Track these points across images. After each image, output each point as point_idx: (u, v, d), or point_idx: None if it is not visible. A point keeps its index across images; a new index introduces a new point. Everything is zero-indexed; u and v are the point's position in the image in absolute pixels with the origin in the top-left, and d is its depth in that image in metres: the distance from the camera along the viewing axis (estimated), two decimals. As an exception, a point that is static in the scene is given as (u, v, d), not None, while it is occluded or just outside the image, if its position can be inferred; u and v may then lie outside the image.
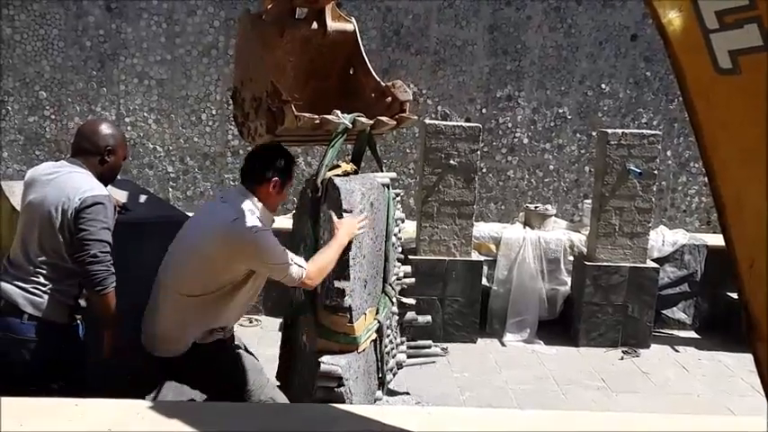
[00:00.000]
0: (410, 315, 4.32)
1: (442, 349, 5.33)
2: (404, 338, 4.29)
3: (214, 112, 6.63)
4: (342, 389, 3.14)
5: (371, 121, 3.52)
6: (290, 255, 3.02)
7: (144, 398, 3.32)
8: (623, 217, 5.65)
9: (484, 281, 5.82)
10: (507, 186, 6.81)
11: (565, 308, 5.97)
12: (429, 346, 4.49)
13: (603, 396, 4.85)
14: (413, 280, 4.32)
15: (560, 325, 5.94)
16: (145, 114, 6.60)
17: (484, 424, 2.70)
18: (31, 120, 6.54)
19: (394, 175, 3.92)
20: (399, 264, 4.14)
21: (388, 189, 3.71)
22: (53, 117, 6.51)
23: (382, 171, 3.84)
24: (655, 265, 5.82)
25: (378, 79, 3.82)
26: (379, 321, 3.55)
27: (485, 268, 5.81)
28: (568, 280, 5.99)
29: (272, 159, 3.12)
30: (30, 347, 2.92)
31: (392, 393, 4.20)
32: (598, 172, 5.78)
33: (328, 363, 3.16)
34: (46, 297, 2.92)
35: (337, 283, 3.20)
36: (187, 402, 2.82)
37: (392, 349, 3.96)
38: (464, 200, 5.57)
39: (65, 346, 2.99)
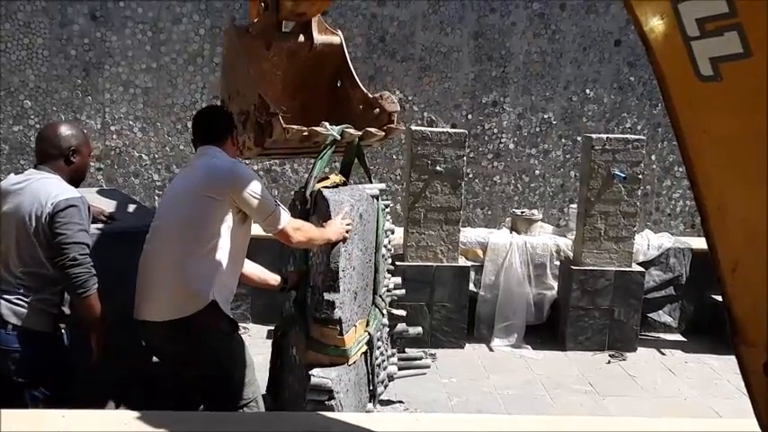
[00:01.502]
0: (401, 326, 4.32)
1: (431, 355, 5.34)
2: (394, 350, 4.28)
3: (200, 120, 6.61)
4: (332, 402, 3.13)
5: (360, 132, 3.54)
6: (279, 202, 3.10)
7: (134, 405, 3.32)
8: (609, 221, 5.68)
9: (471, 286, 5.83)
10: (494, 192, 6.84)
11: (552, 312, 5.99)
12: (420, 358, 4.48)
13: (591, 400, 4.87)
14: (403, 291, 4.32)
15: (547, 329, 5.97)
16: (130, 123, 6.58)
17: (472, 430, 2.72)
18: (15, 129, 6.50)
19: (383, 186, 3.94)
20: (389, 275, 4.14)
21: (378, 200, 3.72)
22: (38, 126, 6.46)
23: (371, 182, 3.85)
24: (640, 268, 5.85)
25: (365, 91, 3.85)
26: (369, 333, 3.55)
27: (472, 274, 5.83)
28: (555, 284, 6.02)
29: (225, 115, 3.32)
30: (14, 357, 2.90)
31: (386, 403, 4.20)
32: (583, 177, 5.82)
33: (318, 375, 3.16)
34: (29, 307, 2.91)
35: (327, 296, 3.21)
36: (175, 412, 2.80)
37: (383, 361, 3.95)
38: (451, 206, 5.58)
39: (49, 355, 2.98)
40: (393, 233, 4.12)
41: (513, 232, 6.18)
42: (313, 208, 3.42)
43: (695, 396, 5.01)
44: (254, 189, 2.99)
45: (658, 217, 6.98)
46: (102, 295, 2.97)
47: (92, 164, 6.52)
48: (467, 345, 5.74)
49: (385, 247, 3.91)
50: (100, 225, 3.50)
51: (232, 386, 3.11)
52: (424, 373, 4.52)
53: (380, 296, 3.79)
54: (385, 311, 3.92)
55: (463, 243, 5.86)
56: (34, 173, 3.05)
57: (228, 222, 3.01)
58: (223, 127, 3.23)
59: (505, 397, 4.86)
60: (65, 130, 3.12)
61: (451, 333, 5.65)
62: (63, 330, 3.06)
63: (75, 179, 3.13)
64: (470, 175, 6.69)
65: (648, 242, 6.14)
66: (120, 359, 3.08)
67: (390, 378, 4.12)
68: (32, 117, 6.49)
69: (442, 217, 5.60)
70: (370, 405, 3.71)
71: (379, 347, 3.82)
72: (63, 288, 2.96)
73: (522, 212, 6.26)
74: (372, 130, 3.59)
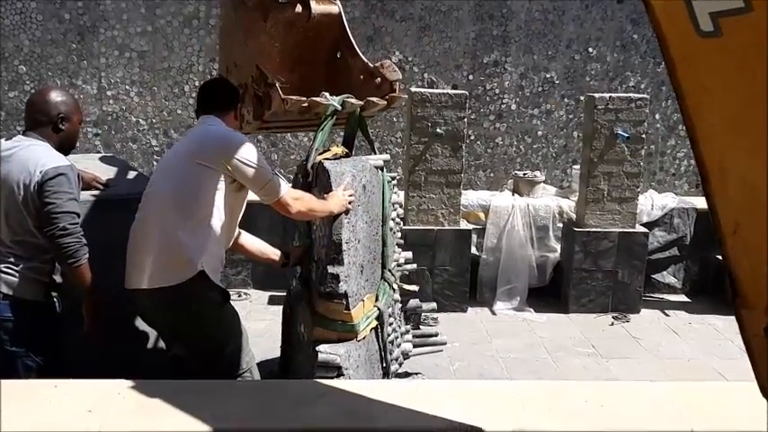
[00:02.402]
0: (414, 302, 4.26)
1: (432, 319, 5.30)
2: (408, 327, 4.23)
3: (197, 84, 6.50)
4: (341, 378, 3.08)
5: (361, 102, 3.46)
6: (276, 171, 3.05)
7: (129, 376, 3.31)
8: (612, 182, 5.60)
9: (473, 249, 5.78)
10: (496, 153, 6.75)
11: (554, 275, 5.95)
12: (436, 335, 4.43)
13: (594, 362, 4.84)
14: (414, 266, 4.24)
15: (550, 292, 5.93)
16: (127, 87, 6.49)
17: (471, 395, 2.69)
18: (11, 95, 6.42)
19: (387, 157, 3.85)
20: (399, 249, 4.06)
21: (383, 171, 3.64)
22: (34, 91, 6.38)
23: (375, 153, 3.77)
24: (644, 229, 5.79)
25: (365, 60, 3.77)
26: (378, 308, 3.48)
27: (474, 237, 5.77)
28: (558, 247, 5.96)
29: (230, 87, 3.25)
30: (6, 327, 2.88)
31: (403, 376, 4.17)
32: (586, 137, 5.72)
33: (326, 352, 3.10)
34: (20, 276, 2.87)
35: (331, 269, 3.14)
36: (169, 381, 2.78)
37: (396, 338, 3.89)
38: (452, 168, 5.51)
39: (41, 323, 2.96)
40: (402, 206, 4.04)
41: (516, 194, 6.11)
42: (314, 180, 3.34)
43: (699, 357, 4.98)
44: (249, 156, 2.92)
45: (662, 177, 6.88)
46: (95, 264, 2.94)
47: (89, 129, 6.47)
48: (469, 308, 5.71)
49: (393, 220, 3.83)
50: (94, 192, 3.45)
51: (225, 357, 3.09)
52: (441, 350, 4.47)
53: (390, 270, 3.70)
54: (396, 286, 3.84)
55: (465, 206, 5.80)
56: (23, 140, 2.99)
57: (221, 191, 2.95)
58: (226, 98, 3.17)
59: (508, 360, 4.84)
60: (54, 97, 3.05)
61: (454, 297, 5.62)
62: (55, 299, 3.03)
63: (65, 147, 3.07)
64: (472, 137, 6.60)
65: (652, 202, 6.07)
66: (112, 329, 3.05)
67: (405, 356, 4.06)
68: (28, 83, 6.40)
69: (442, 180, 5.52)
70: None
71: (391, 324, 3.74)
72: (53, 257, 2.93)
73: (525, 174, 6.17)
74: (374, 99, 3.51)
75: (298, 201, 3.04)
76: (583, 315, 5.66)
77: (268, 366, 4.27)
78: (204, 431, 2.32)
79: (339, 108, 3.38)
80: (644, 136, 5.59)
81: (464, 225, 5.70)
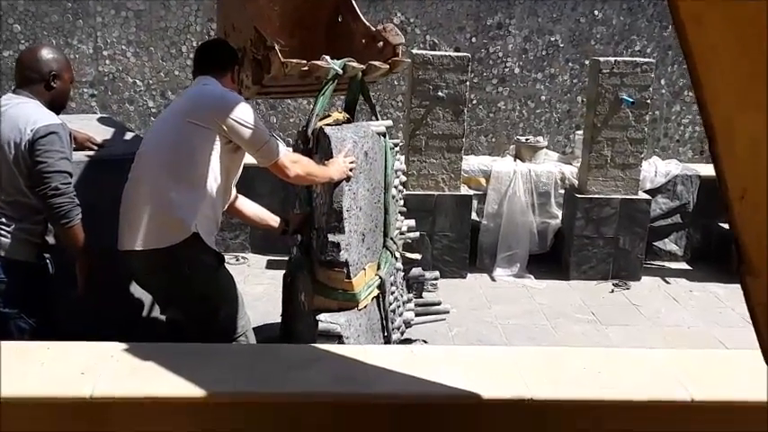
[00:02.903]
0: (416, 271, 4.21)
1: (431, 284, 5.26)
2: (411, 296, 4.19)
3: (194, 44, 6.39)
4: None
5: (363, 66, 3.38)
6: (274, 133, 2.98)
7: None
8: (615, 148, 5.52)
9: (473, 215, 5.73)
10: (498, 118, 6.66)
11: (555, 241, 5.90)
12: (438, 303, 4.39)
13: (593, 329, 4.82)
14: (417, 234, 4.19)
15: (551, 259, 5.88)
16: (123, 47, 6.39)
17: (469, 361, 2.65)
18: (5, 54, 6.31)
19: (390, 123, 3.79)
20: (402, 217, 4.00)
21: (385, 138, 3.56)
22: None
23: (377, 119, 3.69)
24: (647, 196, 5.72)
25: (367, 24, 3.69)
26: (380, 277, 3.43)
27: (474, 203, 5.71)
28: (559, 213, 5.91)
29: (229, 48, 3.15)
30: None
31: (407, 342, 4.14)
32: (590, 102, 5.63)
33: (327, 321, 3.06)
34: (11, 236, 2.83)
35: (331, 237, 3.09)
36: (163, 344, 2.75)
37: (398, 307, 3.85)
38: (453, 133, 5.42)
39: (33, 285, 2.93)
40: (404, 174, 3.97)
41: (518, 160, 6.03)
42: (315, 146, 3.27)
43: (699, 325, 4.95)
44: (244, 117, 2.84)
45: (666, 143, 6.80)
46: (88, 226, 2.89)
47: (84, 90, 6.38)
48: (468, 275, 5.67)
49: (396, 188, 3.77)
50: (88, 153, 3.39)
51: (220, 320, 3.05)
52: (443, 319, 4.44)
53: (392, 239, 3.64)
54: (398, 255, 3.79)
55: (466, 171, 5.74)
56: (12, 98, 2.93)
57: (216, 152, 2.88)
58: (224, 59, 3.09)
59: (506, 326, 4.81)
60: (45, 54, 2.98)
61: (453, 263, 5.58)
62: (47, 260, 2.99)
63: (56, 106, 3.00)
64: (474, 101, 6.51)
65: (656, 169, 5.99)
66: (106, 291, 3.02)
67: (408, 324, 4.02)
68: (22, 42, 6.29)
69: (443, 144, 5.45)
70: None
71: (393, 292, 3.70)
72: (46, 217, 2.88)
73: (527, 140, 6.09)
74: (376, 63, 3.43)
75: (296, 164, 2.97)
76: (583, 282, 5.63)
77: (266, 331, 4.25)
78: (198, 394, 2.30)
79: (340, 72, 3.30)
80: (649, 101, 5.50)
81: (465, 190, 5.64)
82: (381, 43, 3.60)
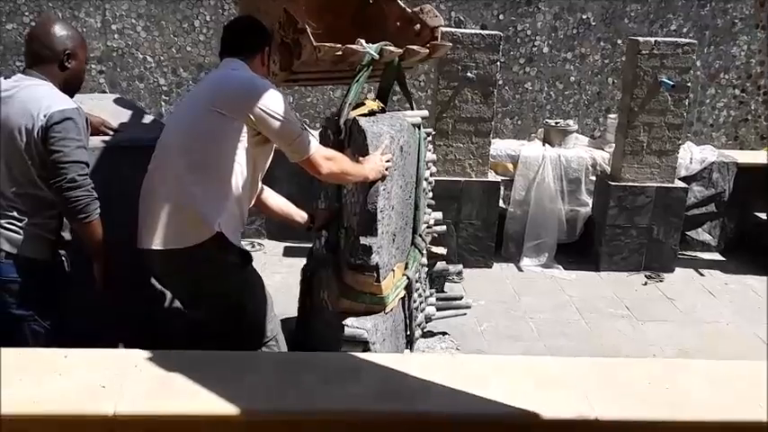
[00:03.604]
0: (440, 265, 4.00)
1: (457, 274, 5.03)
2: (432, 290, 3.98)
3: (208, 18, 6.11)
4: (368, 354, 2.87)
5: (401, 51, 3.11)
6: (306, 126, 2.74)
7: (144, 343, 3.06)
8: (652, 133, 5.25)
9: (500, 202, 5.47)
10: (524, 100, 6.37)
11: (585, 230, 5.65)
12: (460, 298, 4.18)
13: (628, 325, 4.59)
14: (444, 227, 3.97)
15: (580, 248, 5.64)
16: (133, 21, 6.08)
17: (517, 373, 2.43)
18: (9, 27, 6.02)
19: (426, 113, 3.54)
20: (430, 210, 3.78)
21: (419, 129, 3.32)
22: (34, 24, 5.99)
23: (413, 109, 3.44)
24: (683, 185, 5.45)
25: (402, 5, 3.41)
26: (408, 277, 3.23)
27: (501, 189, 5.45)
28: (589, 201, 5.65)
29: (260, 28, 2.85)
30: (10, 289, 2.60)
31: (429, 335, 3.94)
32: (627, 84, 5.34)
33: (353, 326, 2.89)
34: (23, 232, 2.58)
35: (363, 240, 2.87)
36: (190, 352, 2.51)
37: (421, 303, 3.66)
38: (482, 116, 5.15)
39: (49, 285, 2.68)
40: (435, 164, 3.73)
41: (546, 144, 5.76)
42: (347, 139, 3.02)
43: (737, 321, 4.71)
44: (275, 107, 2.58)
45: (699, 128, 6.52)
46: (106, 218, 2.64)
47: (92, 66, 6.09)
48: (495, 264, 5.43)
49: (426, 180, 3.54)
50: (103, 138, 3.14)
51: (247, 325, 2.83)
52: (464, 314, 4.22)
53: (420, 235, 3.44)
54: (424, 251, 3.59)
55: (492, 156, 5.47)
56: (23, 78, 2.65)
57: (243, 143, 2.62)
58: (253, 39, 2.80)
59: (537, 321, 4.58)
60: (59, 30, 2.70)
61: (479, 252, 5.34)
62: (63, 258, 2.75)
63: (70, 87, 2.73)
64: (500, 82, 6.20)
65: (691, 156, 5.72)
66: (126, 290, 2.78)
67: (428, 319, 3.84)
68: (27, 14, 6.00)
69: (471, 128, 5.18)
70: (407, 351, 3.44)
71: (417, 289, 3.51)
72: (61, 212, 2.63)
73: (557, 123, 5.81)
74: (415, 47, 3.16)
75: (330, 161, 2.71)
76: (614, 273, 5.39)
77: (286, 325, 4.03)
78: (233, 412, 2.07)
79: (377, 57, 3.04)
80: (689, 84, 5.22)
81: (492, 177, 5.37)
82: (418, 26, 3.36)
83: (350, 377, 2.34)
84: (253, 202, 2.93)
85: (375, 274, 2.93)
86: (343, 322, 2.92)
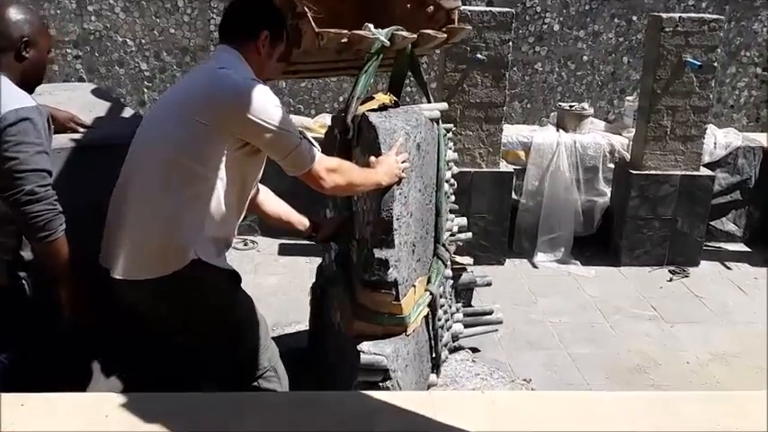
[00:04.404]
0: (467, 277, 3.63)
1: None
2: (459, 305, 3.61)
3: (192, -2, 5.66)
4: (388, 383, 2.50)
5: (414, 36, 2.71)
6: (306, 134, 2.29)
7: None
8: (676, 118, 4.85)
9: (512, 194, 5.07)
10: (534, 81, 5.94)
11: (603, 222, 5.26)
12: (490, 312, 3.80)
13: (657, 328, 4.21)
14: (469, 234, 3.59)
15: (597, 242, 5.25)
16: (111, 2, 5.60)
17: (566, 412, 2.05)
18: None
19: (445, 106, 3.14)
20: (453, 216, 3.40)
21: (438, 124, 2.92)
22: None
23: (430, 101, 3.03)
24: (709, 172, 5.07)
25: None
26: (431, 293, 2.85)
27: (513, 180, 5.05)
28: (607, 190, 5.26)
29: (259, 8, 2.36)
30: None
31: (456, 350, 3.57)
32: (648, 65, 4.93)
33: (370, 352, 2.51)
34: None
35: (378, 253, 2.48)
36: (173, 394, 2.11)
37: (447, 320, 3.29)
38: (493, 101, 4.73)
39: (7, 312, 2.28)
40: (456, 163, 3.33)
41: (560, 130, 5.35)
42: (356, 138, 2.63)
43: (772, 321, 4.35)
44: (267, 115, 2.16)
45: (720, 109, 6.11)
46: (74, 232, 2.23)
47: (68, 51, 5.64)
48: (507, 261, 5.04)
49: (447, 182, 3.15)
50: (72, 135, 2.70)
51: (240, 355, 2.43)
52: (496, 330, 3.86)
53: (443, 245, 3.05)
54: (448, 262, 3.20)
55: (503, 144, 5.05)
56: None
57: (229, 156, 2.21)
58: (248, 22, 2.32)
59: (558, 326, 4.20)
60: (15, 14, 2.27)
61: (490, 248, 4.94)
62: (23, 281, 2.33)
63: (29, 81, 2.31)
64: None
65: (715, 140, 5.33)
66: (98, 314, 2.37)
67: (455, 338, 3.48)
68: (-5, -4, 5.52)
69: (481, 114, 4.76)
70: (432, 376, 3.06)
71: (442, 305, 3.12)
72: (19, 228, 2.22)
73: (571, 106, 5.39)
74: (430, 32, 2.76)
75: (334, 173, 2.31)
76: (635, 269, 5.01)
77: (292, 339, 3.64)
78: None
79: (387, 44, 2.63)
80: (716, 64, 4.81)
81: (504, 167, 4.96)
82: (432, 8, 2.96)
83: (367, 424, 1.96)
84: (244, 214, 2.52)
85: (393, 292, 2.56)
86: (359, 347, 2.55)
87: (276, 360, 2.54)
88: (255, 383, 2.48)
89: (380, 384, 2.53)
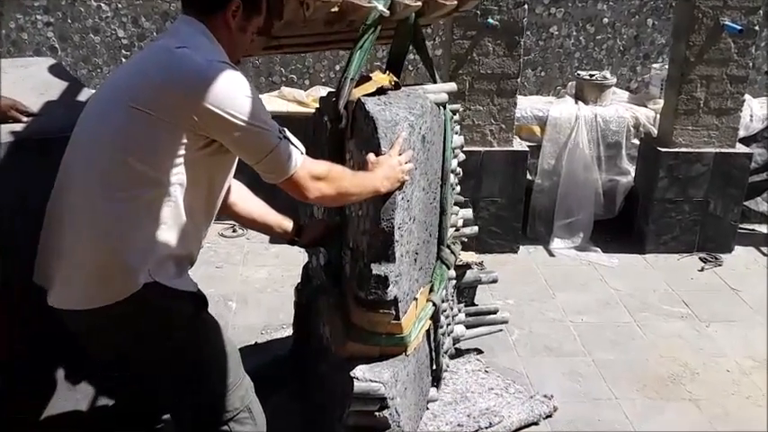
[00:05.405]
0: (471, 274, 3.21)
1: (477, 264, 4.19)
2: (461, 305, 3.20)
3: (172, -42, 5.13)
4: (385, 412, 2.18)
5: (419, 3, 2.26)
6: (287, 132, 1.82)
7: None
8: (711, 89, 4.34)
9: (526, 174, 4.60)
10: (549, 47, 5.43)
11: (626, 204, 4.79)
12: (495, 311, 3.39)
13: (691, 328, 3.77)
14: (475, 229, 3.17)
15: (620, 225, 4.78)
16: (82, -38, 5.11)
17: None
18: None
19: (453, 86, 2.68)
20: (457, 208, 2.97)
21: (445, 109, 2.49)
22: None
23: (436, 81, 2.58)
24: (746, 149, 4.57)
25: None
26: (434, 303, 2.49)
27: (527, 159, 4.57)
28: (631, 169, 4.78)
29: None
30: None
31: (457, 354, 3.23)
32: (680, 29, 4.39)
33: (365, 379, 2.19)
34: None
35: (376, 268, 2.11)
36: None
37: (448, 324, 2.90)
38: (505, 72, 4.22)
39: None
40: (462, 148, 2.85)
41: (579, 102, 4.85)
42: (350, 128, 2.20)
43: (816, 316, 3.91)
44: (235, 108, 1.71)
45: (753, 76, 5.58)
46: (9, 247, 1.94)
47: (38, 17, 5.15)
48: (521, 248, 4.59)
49: (453, 172, 2.70)
50: (12, 127, 2.25)
51: (204, 398, 2.00)
52: (500, 330, 3.46)
53: (448, 246, 2.68)
54: (453, 264, 2.80)
55: (516, 118, 4.55)
56: None
57: (189, 158, 1.77)
58: None
59: (580, 327, 3.76)
60: None
61: (502, 234, 4.49)
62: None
63: None
64: (521, 27, 5.28)
65: (751, 112, 4.82)
66: (40, 348, 1.95)
67: (456, 341, 3.11)
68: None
69: (493, 87, 4.26)
70: (432, 391, 2.68)
71: (444, 311, 2.76)
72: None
73: (591, 76, 4.87)
74: None
75: (320, 181, 1.88)
76: (663, 256, 4.55)
77: (275, 347, 3.23)
78: None
79: (386, 13, 2.19)
80: (757, 28, 4.28)
81: (518, 145, 4.47)
82: None
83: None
84: (213, 220, 2.06)
85: (393, 311, 2.21)
86: (352, 374, 2.21)
87: (251, 398, 2.11)
88: (226, 427, 2.06)
89: (376, 414, 2.22)
